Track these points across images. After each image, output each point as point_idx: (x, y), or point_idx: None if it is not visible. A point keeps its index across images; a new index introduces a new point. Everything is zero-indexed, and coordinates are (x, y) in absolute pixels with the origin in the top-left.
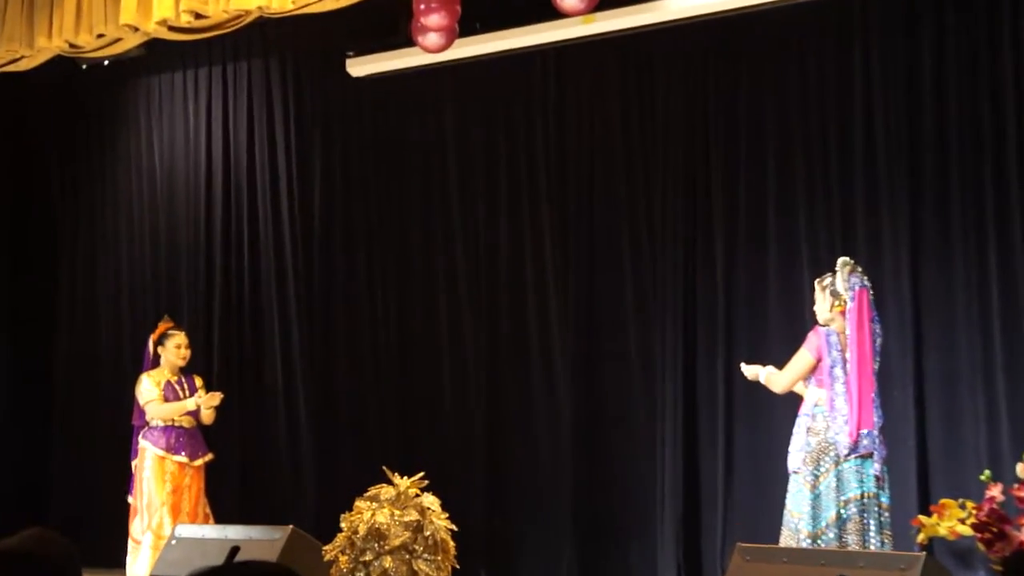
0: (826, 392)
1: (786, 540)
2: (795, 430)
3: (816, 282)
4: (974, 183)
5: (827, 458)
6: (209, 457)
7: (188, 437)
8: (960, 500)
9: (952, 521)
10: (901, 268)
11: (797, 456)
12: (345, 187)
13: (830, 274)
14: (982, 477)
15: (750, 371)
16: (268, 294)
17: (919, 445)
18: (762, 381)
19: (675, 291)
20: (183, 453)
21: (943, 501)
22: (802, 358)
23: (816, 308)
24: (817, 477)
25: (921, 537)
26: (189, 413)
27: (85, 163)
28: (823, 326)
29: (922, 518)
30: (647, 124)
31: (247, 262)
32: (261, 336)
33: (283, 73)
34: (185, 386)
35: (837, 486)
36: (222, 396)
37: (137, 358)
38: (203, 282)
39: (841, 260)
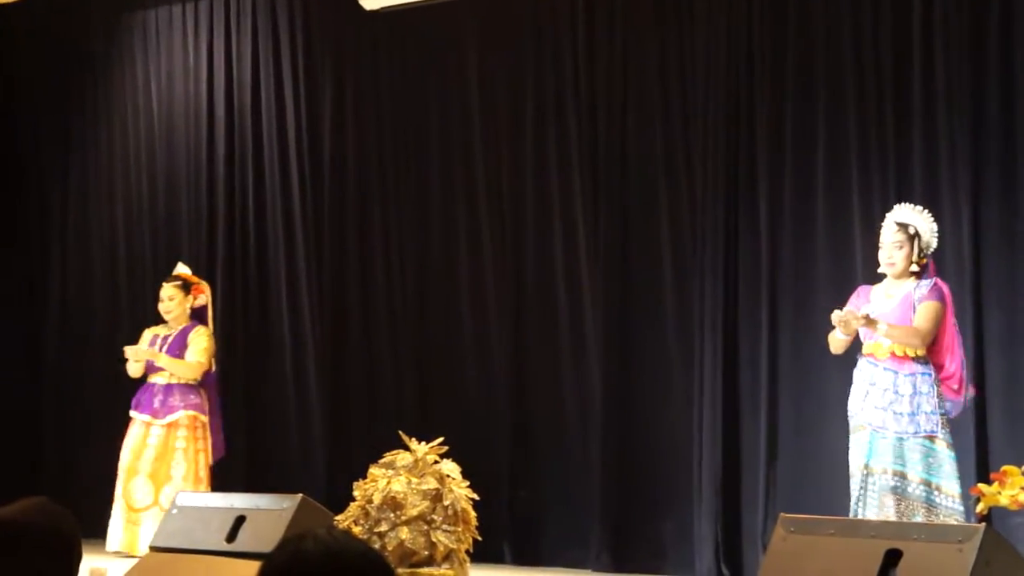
0: (924, 350)
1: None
2: (923, 389)
3: (894, 221)
4: None
5: (948, 424)
6: (182, 415)
7: (162, 394)
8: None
9: (1015, 489)
10: (962, 222)
11: (932, 419)
12: (357, 130)
13: (902, 214)
14: None
15: (855, 316)
16: (275, 243)
17: (978, 410)
18: (879, 334)
19: (715, 247)
20: (146, 411)
21: (1005, 468)
22: (938, 310)
23: (889, 257)
24: (951, 442)
25: (980, 507)
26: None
27: (77, 102)
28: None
29: (982, 486)
30: (686, 65)
31: (252, 208)
32: (267, 287)
33: (290, 6)
34: (169, 341)
35: None
36: (137, 350)
37: (134, 308)
38: (205, 229)
39: (916, 207)
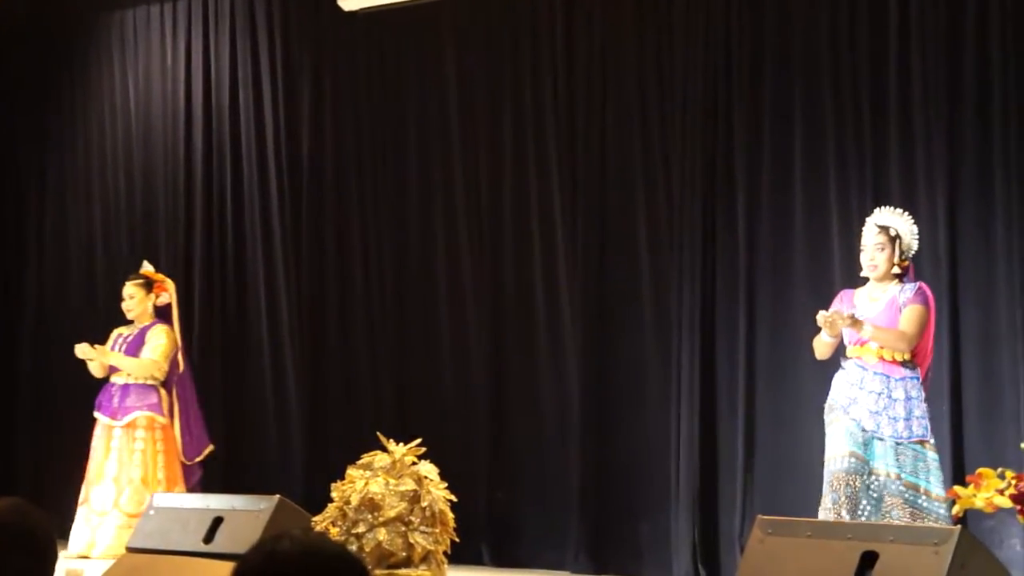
0: (910, 355)
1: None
2: (913, 394)
3: (875, 224)
4: (1018, 130)
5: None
6: (138, 416)
7: (119, 395)
8: (999, 469)
9: (990, 492)
10: (938, 221)
11: (922, 423)
12: (336, 130)
13: (883, 217)
14: (1023, 445)
15: (841, 316)
16: (253, 243)
17: (953, 411)
18: (865, 336)
19: (692, 246)
20: (106, 413)
21: (980, 470)
22: (923, 314)
23: (871, 259)
24: (935, 446)
25: (956, 509)
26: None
27: (54, 102)
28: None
29: (957, 489)
30: (664, 64)
31: (230, 209)
32: (245, 288)
33: (269, 6)
34: (129, 340)
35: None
36: (83, 349)
37: (110, 308)
38: (182, 228)
39: (897, 210)
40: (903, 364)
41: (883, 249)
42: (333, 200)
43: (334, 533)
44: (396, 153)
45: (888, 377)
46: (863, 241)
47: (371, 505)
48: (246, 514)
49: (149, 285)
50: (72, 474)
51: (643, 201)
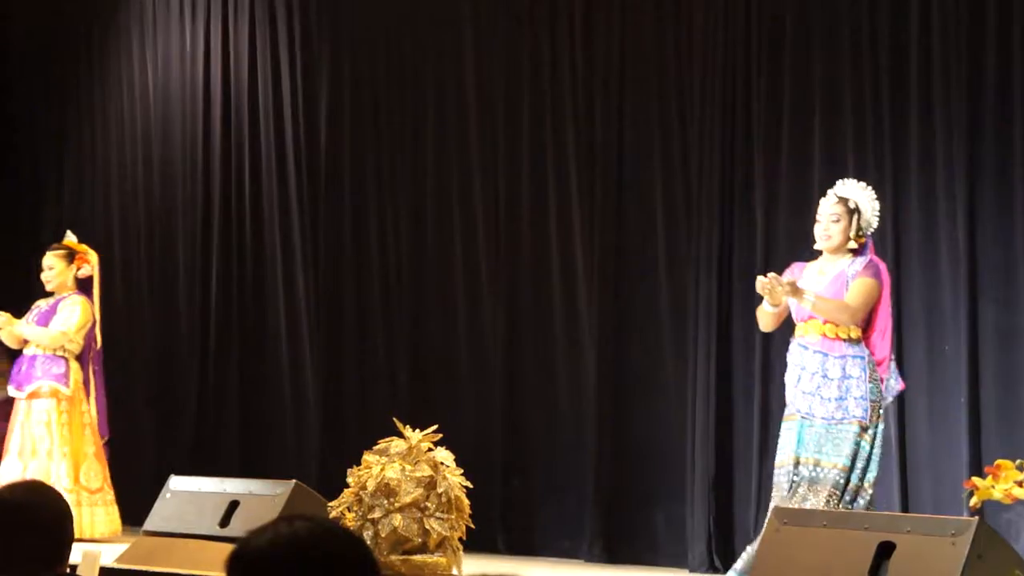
0: (858, 332)
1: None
2: (853, 373)
3: (835, 194)
4: None
5: (880, 411)
6: (41, 385)
7: (26, 365)
8: (1018, 461)
9: (1009, 483)
10: (957, 213)
11: (861, 404)
12: (354, 113)
13: (844, 188)
14: None
15: (779, 283)
16: (271, 226)
17: (971, 403)
18: (806, 306)
19: (710, 238)
20: (13, 383)
21: (999, 462)
22: (871, 288)
23: (825, 230)
24: (876, 435)
25: (974, 501)
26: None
27: (73, 84)
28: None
29: (976, 480)
30: (683, 55)
31: (248, 191)
32: (263, 273)
33: None
34: (44, 311)
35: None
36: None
37: (129, 296)
38: (200, 214)
39: (861, 183)
40: (847, 341)
41: (838, 220)
42: (351, 185)
43: (350, 518)
44: (414, 136)
45: (826, 355)
46: (819, 212)
47: (387, 491)
48: (262, 498)
49: (71, 256)
50: None
51: (661, 189)
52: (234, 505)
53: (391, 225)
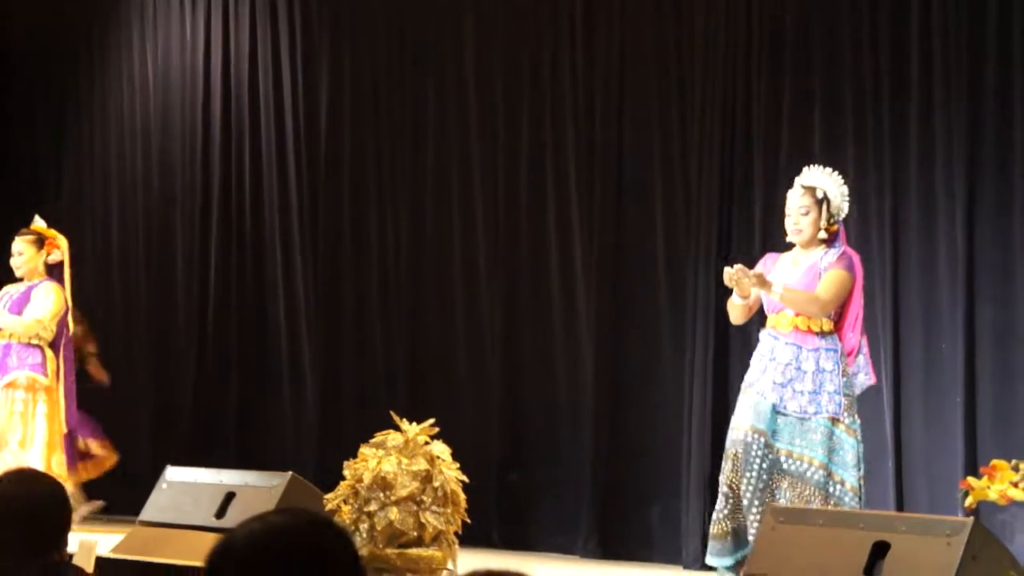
0: (830, 325)
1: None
2: (826, 367)
3: (801, 185)
4: None
5: (855, 405)
6: (18, 375)
7: (1, 355)
8: (1013, 461)
9: (1004, 484)
10: (956, 213)
11: (834, 399)
12: (354, 107)
13: (810, 177)
14: None
15: (746, 274)
16: (271, 221)
17: (967, 403)
18: (774, 298)
19: (708, 234)
20: None
21: (994, 462)
22: (843, 280)
23: (795, 223)
24: (856, 428)
25: (969, 501)
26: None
27: (72, 80)
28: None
29: (971, 480)
30: (684, 54)
31: (248, 186)
32: (262, 267)
33: None
34: (15, 298)
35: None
36: None
37: (126, 290)
38: (199, 207)
39: (827, 169)
40: (819, 334)
41: (807, 212)
42: (351, 178)
43: (346, 511)
44: (414, 130)
45: (799, 347)
46: (787, 204)
47: (383, 484)
48: (258, 490)
49: (40, 242)
50: None
51: (660, 184)
52: (230, 496)
53: (390, 217)
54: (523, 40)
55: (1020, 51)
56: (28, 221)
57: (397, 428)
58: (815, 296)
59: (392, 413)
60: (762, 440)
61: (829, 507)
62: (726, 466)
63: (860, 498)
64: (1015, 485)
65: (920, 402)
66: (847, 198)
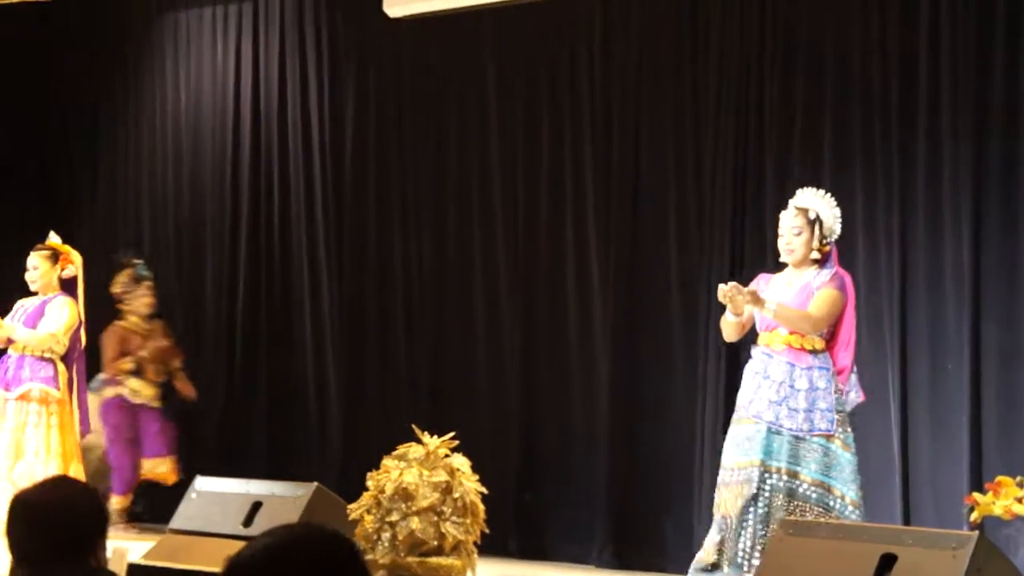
0: (822, 344)
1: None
2: (820, 385)
3: (794, 206)
4: None
5: (846, 421)
6: (31, 388)
7: (14, 366)
8: (1018, 477)
9: (1008, 500)
10: (962, 233)
11: (827, 416)
12: (378, 131)
13: (803, 199)
14: None
15: (740, 291)
16: (298, 239)
17: (972, 421)
18: (767, 315)
19: (721, 248)
20: (1, 384)
21: (999, 478)
22: (835, 299)
23: (788, 243)
24: (849, 441)
25: (974, 516)
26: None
27: (108, 99)
28: (801, 265)
29: (976, 496)
30: (699, 67)
31: (276, 206)
32: (289, 282)
33: (317, 11)
34: (29, 311)
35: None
36: None
37: (159, 305)
38: (228, 226)
39: (819, 191)
40: (812, 352)
41: (800, 233)
42: (375, 199)
43: (369, 520)
44: (436, 153)
45: (793, 366)
46: (781, 225)
47: (405, 495)
48: (284, 500)
49: (55, 256)
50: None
51: (674, 204)
52: (257, 506)
53: (413, 235)
54: (542, 62)
55: None
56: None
57: (419, 441)
58: (807, 314)
59: (414, 426)
60: (753, 472)
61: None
62: (729, 498)
63: (861, 511)
64: (1019, 501)
65: (927, 419)
66: (839, 220)
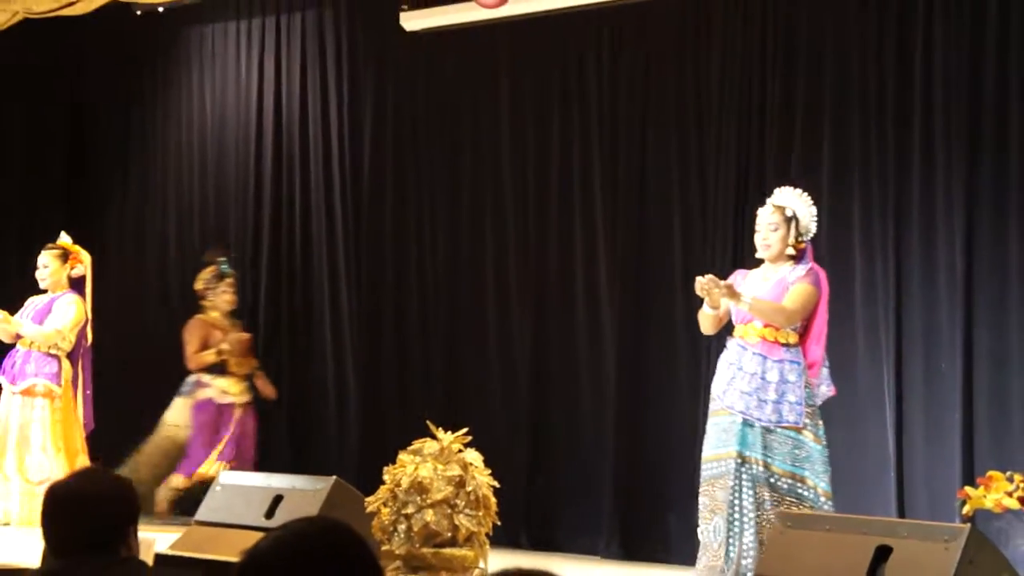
0: (795, 338)
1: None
2: (790, 378)
3: (772, 204)
4: None
5: (815, 414)
6: (35, 383)
7: (20, 360)
8: (1008, 473)
9: (999, 493)
10: (955, 243)
11: (796, 409)
12: (395, 141)
13: (781, 197)
14: None
15: (716, 284)
16: (318, 246)
17: (965, 419)
18: (743, 308)
19: (724, 251)
20: (7, 376)
21: (990, 473)
22: (809, 293)
23: (764, 239)
24: (820, 434)
25: (966, 509)
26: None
27: (137, 110)
28: (776, 261)
29: (968, 490)
30: (701, 80)
31: (297, 215)
32: (309, 286)
33: (337, 25)
34: (39, 308)
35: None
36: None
37: (186, 312)
38: (251, 234)
39: (797, 191)
40: (784, 346)
41: (776, 229)
42: (392, 205)
43: (385, 513)
44: (450, 162)
45: (765, 358)
46: (758, 221)
47: (420, 488)
48: (304, 493)
49: (65, 256)
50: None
51: (679, 209)
52: (278, 499)
53: (428, 246)
54: (552, 71)
55: (1017, 89)
56: (94, 241)
57: (433, 437)
58: (782, 307)
59: (428, 423)
60: (731, 463)
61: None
62: (701, 501)
63: (832, 501)
64: (1009, 494)
65: (921, 418)
66: (815, 219)
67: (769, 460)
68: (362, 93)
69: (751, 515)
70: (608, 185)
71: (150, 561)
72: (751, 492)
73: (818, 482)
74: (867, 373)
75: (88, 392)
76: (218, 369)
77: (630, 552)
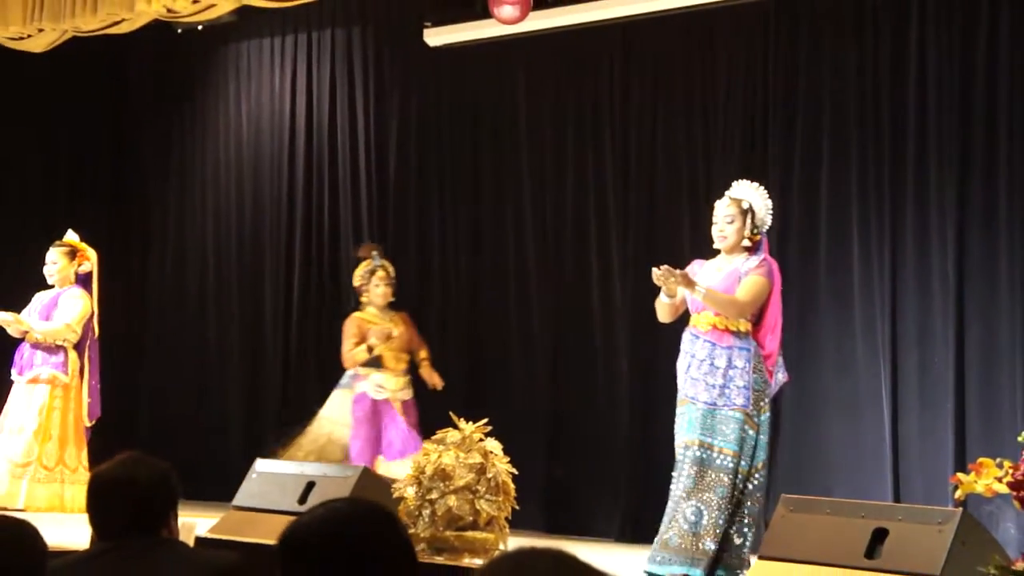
0: (747, 327)
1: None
2: (738, 364)
3: (728, 196)
4: (1023, 154)
5: (765, 401)
6: (42, 371)
7: (28, 352)
8: (998, 459)
9: (989, 479)
10: (947, 249)
11: (743, 393)
12: (420, 150)
13: (738, 190)
14: (1020, 438)
15: (672, 273)
16: (347, 251)
17: (957, 409)
18: (698, 298)
19: None
20: (16, 367)
21: (981, 460)
22: (761, 285)
23: (720, 230)
24: (762, 423)
25: (959, 494)
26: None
27: (178, 123)
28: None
29: (960, 475)
30: (708, 99)
31: (327, 222)
32: (339, 289)
33: (364, 42)
34: (46, 303)
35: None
36: (3, 314)
37: (221, 311)
38: (284, 240)
39: (754, 184)
40: (735, 334)
41: (732, 221)
42: (416, 211)
43: (411, 498)
44: (472, 170)
45: (714, 345)
46: (715, 213)
47: (443, 475)
48: (335, 480)
49: (73, 253)
50: (191, 430)
51: (687, 209)
52: (311, 485)
53: (451, 249)
54: (568, 84)
55: (1005, 108)
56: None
57: (455, 427)
58: (734, 299)
59: (451, 413)
60: (698, 450)
61: (734, 494)
62: (688, 477)
63: (761, 483)
64: (999, 480)
65: (916, 407)
66: (771, 212)
67: (709, 440)
68: (388, 105)
69: (692, 495)
70: (620, 191)
71: (191, 543)
72: (685, 471)
73: (751, 468)
74: (865, 369)
75: (95, 382)
76: (374, 364)
77: (643, 535)
